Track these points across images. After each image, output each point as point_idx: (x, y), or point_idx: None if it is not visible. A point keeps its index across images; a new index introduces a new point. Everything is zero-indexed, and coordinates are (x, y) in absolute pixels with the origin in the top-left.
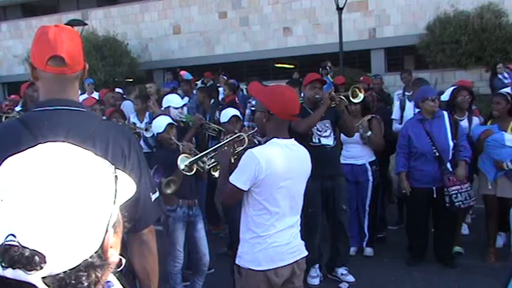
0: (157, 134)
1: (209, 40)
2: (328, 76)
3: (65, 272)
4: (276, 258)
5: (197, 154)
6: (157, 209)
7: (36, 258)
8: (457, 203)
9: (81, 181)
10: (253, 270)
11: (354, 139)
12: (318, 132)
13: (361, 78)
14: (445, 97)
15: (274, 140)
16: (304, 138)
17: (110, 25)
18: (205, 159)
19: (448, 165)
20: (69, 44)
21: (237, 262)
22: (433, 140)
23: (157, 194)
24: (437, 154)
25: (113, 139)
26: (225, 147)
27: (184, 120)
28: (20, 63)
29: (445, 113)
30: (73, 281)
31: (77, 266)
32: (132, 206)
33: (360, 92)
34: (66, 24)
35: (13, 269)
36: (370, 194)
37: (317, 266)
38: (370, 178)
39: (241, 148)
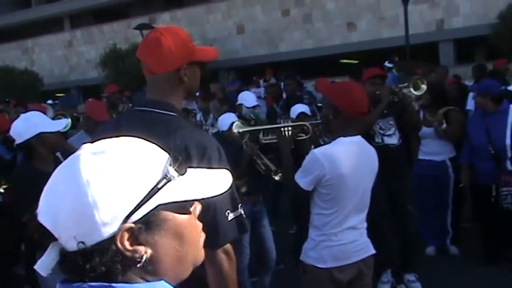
0: (222, 131)
1: (272, 38)
2: (393, 71)
3: (75, 252)
4: (341, 256)
5: (259, 154)
6: (234, 229)
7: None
8: (505, 205)
9: (107, 169)
10: (318, 267)
11: (429, 134)
12: (381, 131)
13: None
14: None
15: (341, 139)
16: (366, 138)
17: None
18: (260, 135)
19: (508, 163)
20: (146, 48)
21: (301, 258)
22: (491, 136)
23: (238, 211)
24: (492, 152)
25: (185, 146)
26: (287, 133)
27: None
28: (92, 67)
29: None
30: (77, 263)
31: (77, 250)
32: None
33: (422, 83)
34: (134, 28)
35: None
36: (451, 191)
37: (389, 271)
38: (451, 175)
39: (304, 137)
